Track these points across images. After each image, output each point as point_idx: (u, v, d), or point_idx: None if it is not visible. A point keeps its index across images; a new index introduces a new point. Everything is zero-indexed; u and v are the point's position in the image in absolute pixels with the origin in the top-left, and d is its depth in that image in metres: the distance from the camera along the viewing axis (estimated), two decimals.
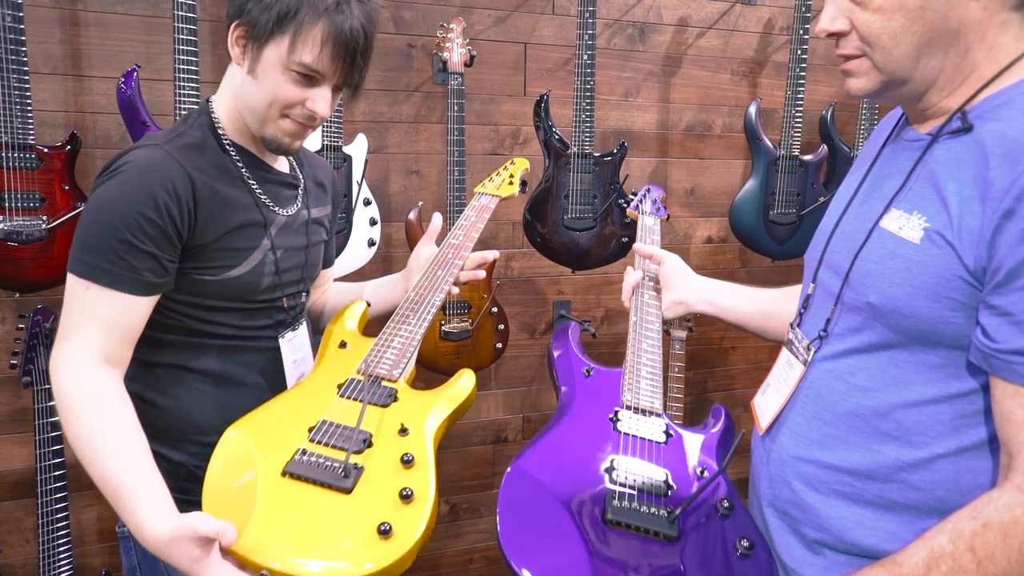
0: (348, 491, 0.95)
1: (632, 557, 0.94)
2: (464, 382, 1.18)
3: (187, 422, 1.14)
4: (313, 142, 1.91)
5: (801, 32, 2.24)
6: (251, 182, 1.17)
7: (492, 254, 1.40)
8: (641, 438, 1.12)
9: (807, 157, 2.32)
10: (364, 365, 1.16)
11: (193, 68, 1.66)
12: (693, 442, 1.15)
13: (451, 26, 2.01)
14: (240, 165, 1.17)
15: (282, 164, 1.26)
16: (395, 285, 1.42)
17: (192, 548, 0.86)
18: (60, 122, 1.86)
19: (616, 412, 1.17)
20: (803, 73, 2.26)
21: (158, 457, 0.98)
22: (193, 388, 1.15)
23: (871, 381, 0.94)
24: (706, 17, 2.47)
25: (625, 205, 2.07)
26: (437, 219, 1.41)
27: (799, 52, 2.25)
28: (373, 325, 1.33)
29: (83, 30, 1.85)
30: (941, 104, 0.92)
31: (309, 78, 1.08)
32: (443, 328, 2.07)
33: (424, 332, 1.22)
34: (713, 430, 1.19)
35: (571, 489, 1.01)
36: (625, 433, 1.13)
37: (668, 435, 1.15)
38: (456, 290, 1.33)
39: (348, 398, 1.10)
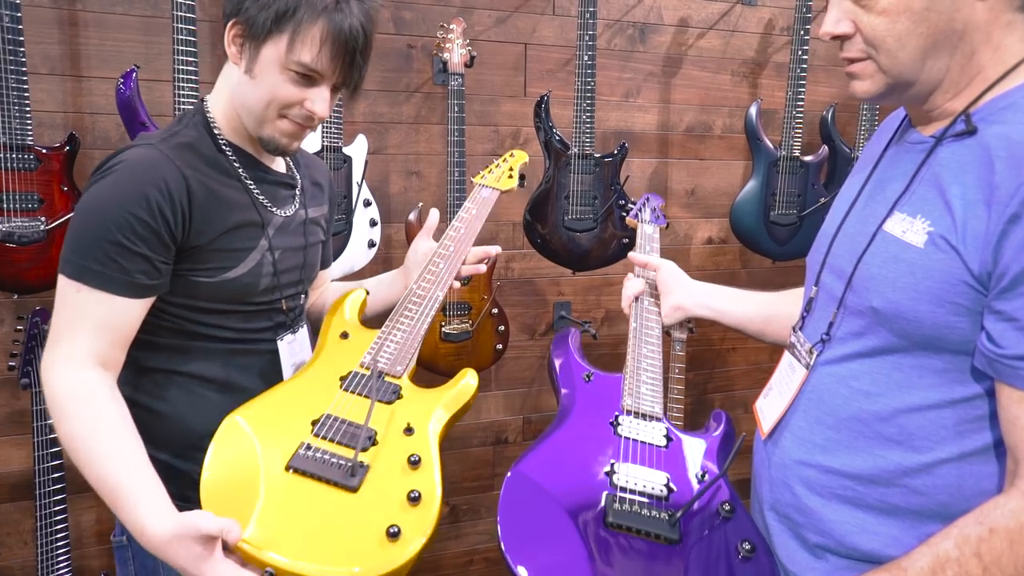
0: (354, 490, 0.93)
1: (633, 560, 0.94)
2: (468, 382, 1.17)
3: (183, 427, 1.12)
4: (313, 143, 1.90)
5: (802, 33, 2.23)
6: (248, 182, 1.16)
7: (494, 249, 1.39)
8: (642, 442, 1.12)
9: (808, 158, 2.32)
10: (367, 358, 1.15)
11: (192, 69, 1.66)
12: (694, 446, 1.15)
13: (451, 27, 2.00)
14: (236, 165, 1.15)
15: (279, 164, 1.25)
16: (393, 282, 1.41)
17: (194, 546, 0.85)
18: (59, 123, 1.85)
19: (616, 417, 1.16)
20: (804, 74, 2.26)
21: (155, 463, 0.96)
22: (190, 392, 1.14)
23: (874, 385, 0.94)
24: (706, 18, 2.46)
25: (625, 213, 2.07)
26: (434, 214, 1.40)
27: (800, 53, 2.24)
28: (372, 322, 1.32)
29: (82, 30, 1.85)
30: (946, 106, 0.92)
31: (308, 78, 1.07)
32: (443, 329, 2.06)
33: (428, 326, 1.21)
34: (714, 434, 1.19)
35: (572, 492, 1.01)
36: (626, 437, 1.12)
37: (668, 439, 1.14)
38: (458, 284, 1.32)
39: (351, 392, 1.09)
